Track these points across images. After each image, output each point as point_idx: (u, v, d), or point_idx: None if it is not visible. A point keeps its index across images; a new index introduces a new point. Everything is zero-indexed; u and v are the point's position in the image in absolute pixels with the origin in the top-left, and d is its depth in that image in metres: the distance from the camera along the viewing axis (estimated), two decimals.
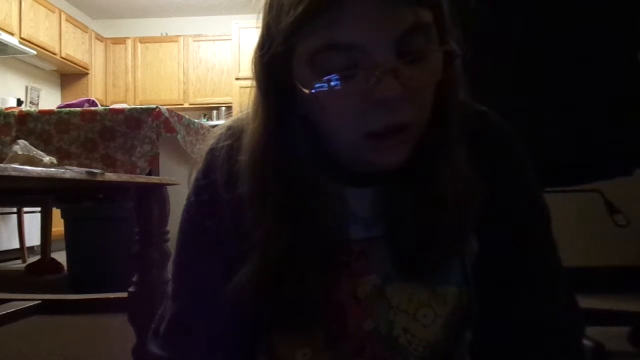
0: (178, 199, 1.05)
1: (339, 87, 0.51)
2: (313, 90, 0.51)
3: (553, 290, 0.63)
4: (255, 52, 0.57)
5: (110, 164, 1.98)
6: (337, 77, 0.50)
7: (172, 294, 0.67)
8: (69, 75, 5.99)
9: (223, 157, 0.63)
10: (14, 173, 0.84)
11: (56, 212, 3.14)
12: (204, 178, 0.64)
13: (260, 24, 0.56)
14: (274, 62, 0.54)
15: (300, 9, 0.49)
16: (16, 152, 1.18)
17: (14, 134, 1.99)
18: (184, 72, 6.49)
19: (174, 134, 2.05)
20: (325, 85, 0.51)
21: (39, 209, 3.54)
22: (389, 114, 0.51)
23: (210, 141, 0.66)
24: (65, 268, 2.89)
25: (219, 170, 0.62)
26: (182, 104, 6.38)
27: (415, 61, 0.51)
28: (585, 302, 0.72)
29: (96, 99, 2.90)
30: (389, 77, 0.49)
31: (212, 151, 0.65)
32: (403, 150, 0.54)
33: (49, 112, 2.04)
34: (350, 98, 0.51)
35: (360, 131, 0.52)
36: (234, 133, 0.63)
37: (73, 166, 1.51)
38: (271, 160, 0.57)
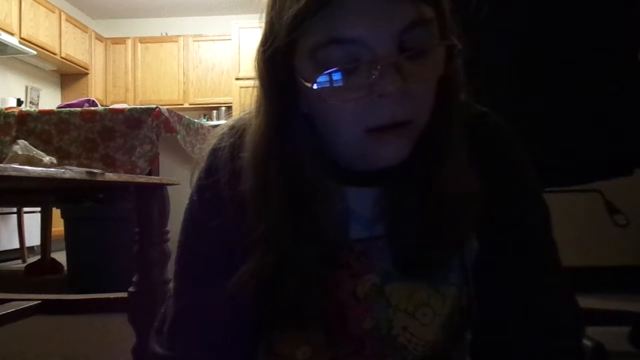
0: (178, 199, 1.05)
1: (340, 82, 0.51)
2: (315, 85, 0.51)
3: (553, 290, 0.62)
4: (258, 49, 0.57)
5: (110, 164, 1.98)
6: (338, 71, 0.50)
7: (174, 293, 0.67)
8: (69, 75, 6.00)
9: (226, 156, 0.63)
10: (14, 173, 0.84)
11: (56, 212, 3.14)
12: (206, 177, 0.64)
13: (262, 22, 0.57)
14: (276, 58, 0.54)
15: (302, 3, 0.50)
16: (16, 152, 1.18)
17: (14, 134, 1.99)
18: (184, 72, 6.49)
19: (174, 134, 2.05)
20: (327, 79, 0.51)
21: (39, 209, 3.54)
22: (390, 109, 0.51)
23: (212, 140, 0.66)
24: (65, 268, 2.89)
25: (222, 168, 0.62)
26: (182, 104, 6.39)
27: (416, 56, 0.51)
28: (585, 302, 0.72)
29: (96, 99, 2.91)
30: (390, 71, 0.49)
31: (214, 151, 0.64)
32: (403, 146, 0.54)
33: (49, 112, 2.04)
34: (351, 93, 0.51)
35: (361, 126, 0.52)
36: (237, 132, 0.63)
37: (73, 166, 1.51)
38: (273, 157, 0.57)
